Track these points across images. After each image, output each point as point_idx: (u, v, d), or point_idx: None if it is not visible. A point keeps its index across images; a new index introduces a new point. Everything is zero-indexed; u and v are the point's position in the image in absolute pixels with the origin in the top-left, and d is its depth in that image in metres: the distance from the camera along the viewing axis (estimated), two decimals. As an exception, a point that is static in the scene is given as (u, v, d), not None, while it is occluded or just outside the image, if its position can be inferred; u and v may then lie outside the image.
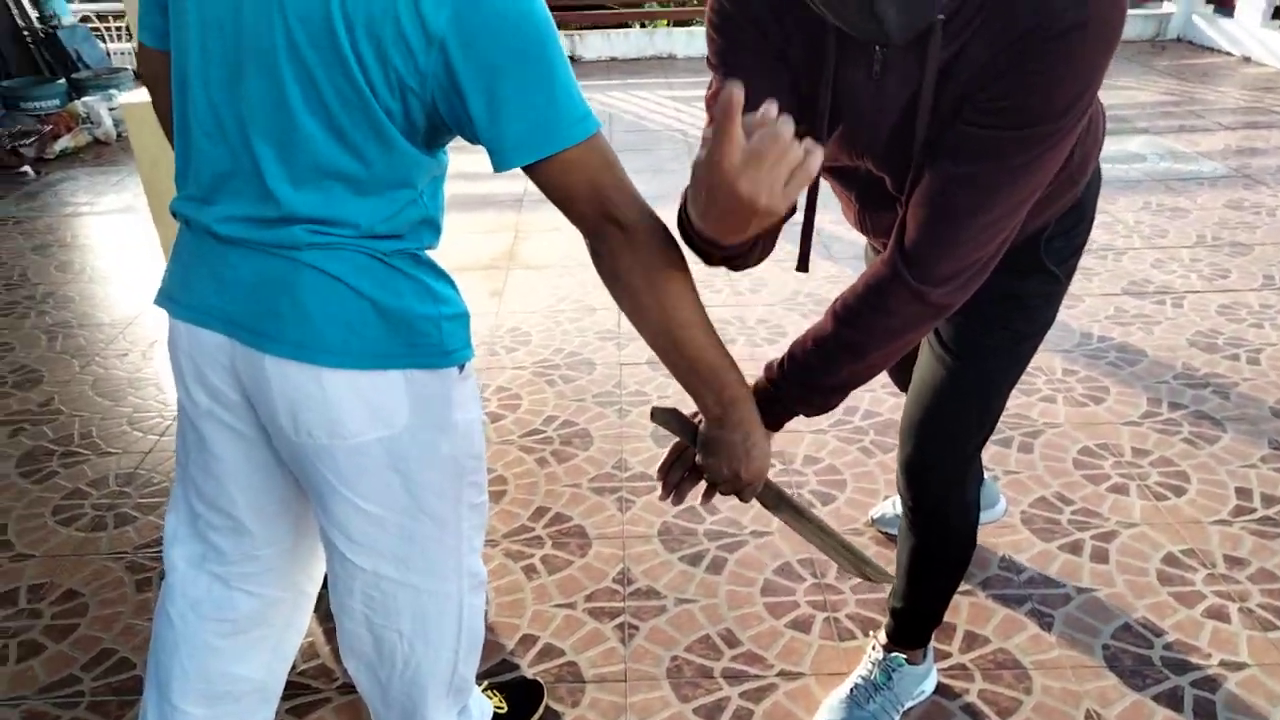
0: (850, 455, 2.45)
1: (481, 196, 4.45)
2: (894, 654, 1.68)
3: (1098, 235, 3.80)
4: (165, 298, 1.11)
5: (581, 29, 7.54)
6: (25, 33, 5.67)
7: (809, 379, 1.15)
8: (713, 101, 1.14)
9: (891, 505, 2.17)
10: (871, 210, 1.28)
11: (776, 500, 1.24)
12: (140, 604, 1.98)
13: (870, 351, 1.12)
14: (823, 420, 2.60)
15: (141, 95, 2.64)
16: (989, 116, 0.98)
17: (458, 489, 1.18)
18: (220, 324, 1.05)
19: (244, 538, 1.21)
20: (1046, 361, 2.86)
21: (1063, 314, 3.09)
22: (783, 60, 1.09)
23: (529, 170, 0.96)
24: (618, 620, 1.94)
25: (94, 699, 1.76)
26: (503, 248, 3.86)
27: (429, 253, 1.10)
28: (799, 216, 1.21)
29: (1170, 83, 6.35)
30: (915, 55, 1.00)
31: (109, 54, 6.61)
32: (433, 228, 1.10)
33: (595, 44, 7.40)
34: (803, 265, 1.32)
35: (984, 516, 2.06)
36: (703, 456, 1.18)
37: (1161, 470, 2.34)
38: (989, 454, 2.43)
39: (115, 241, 4.07)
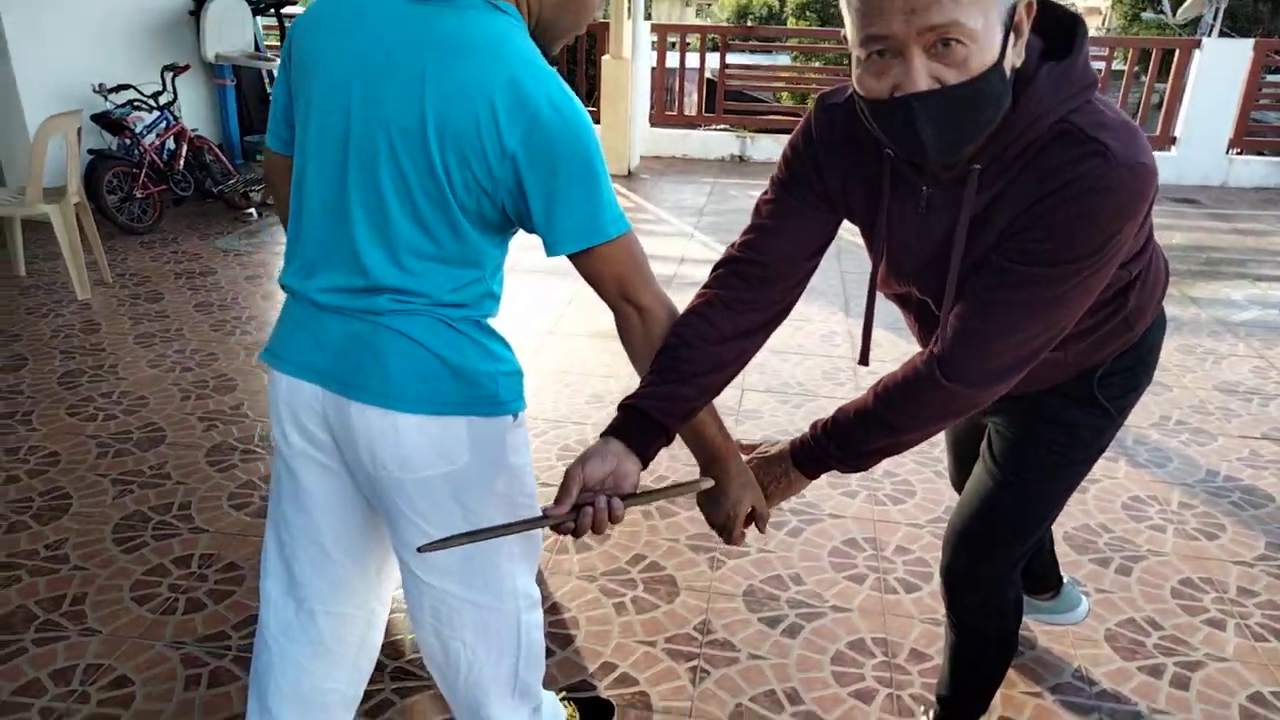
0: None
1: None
2: None
3: (1246, 377, 3.71)
4: (270, 354, 1.32)
5: (754, 131, 7.95)
6: (270, 95, 6.61)
7: (847, 443, 1.29)
8: (762, 206, 1.38)
9: None
10: (928, 330, 1.42)
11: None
12: (287, 579, 2.30)
13: (903, 431, 1.26)
14: (920, 515, 2.68)
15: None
16: (1021, 255, 1.11)
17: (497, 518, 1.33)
18: (315, 376, 1.25)
19: (327, 563, 1.38)
20: (1164, 492, 2.83)
21: (1192, 450, 3.07)
22: (827, 206, 1.31)
23: (572, 258, 1.21)
24: (692, 663, 2.09)
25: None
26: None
27: (490, 320, 1.31)
28: (861, 315, 1.41)
29: (1361, 235, 6.04)
30: (955, 197, 1.15)
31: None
32: (493, 299, 1.31)
33: (765, 146, 7.78)
34: (864, 360, 1.49)
35: (1064, 618, 2.10)
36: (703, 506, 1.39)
37: (1266, 612, 2.28)
38: (1084, 571, 2.44)
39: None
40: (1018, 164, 1.09)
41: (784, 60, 17.09)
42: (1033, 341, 1.15)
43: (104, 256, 4.50)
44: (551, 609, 2.27)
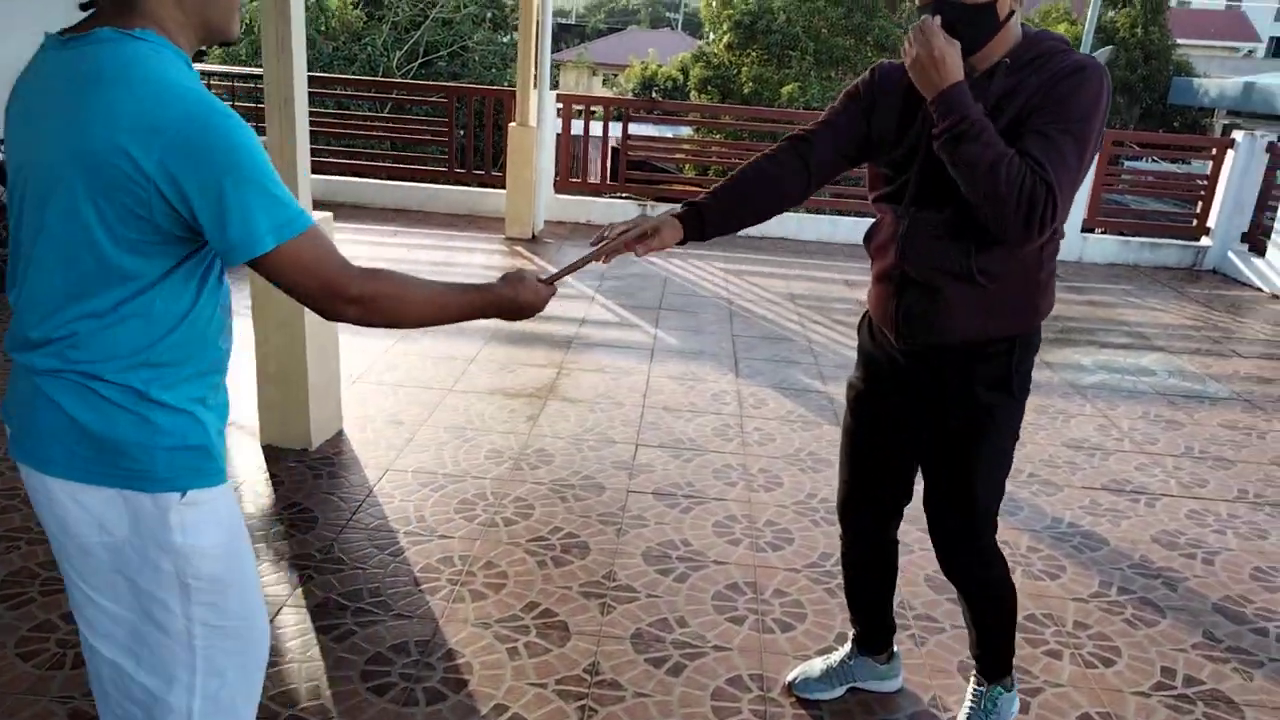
0: (816, 594, 2.72)
1: (538, 335, 4.95)
2: (994, 687, 2.09)
3: (1091, 434, 4.09)
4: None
5: (655, 200, 8.30)
6: None
7: (982, 126, 1.65)
8: (829, 110, 1.93)
9: (818, 665, 2.35)
10: (912, 237, 1.81)
11: (558, 277, 1.66)
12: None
13: (1005, 163, 1.61)
14: (797, 561, 2.89)
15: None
16: (1044, 120, 1.63)
17: (185, 607, 1.27)
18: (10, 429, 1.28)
19: (87, 603, 1.30)
20: (1014, 537, 3.11)
21: (1039, 499, 3.38)
22: (865, 128, 1.87)
23: (259, 266, 1.16)
24: (581, 703, 2.21)
25: None
26: (546, 381, 4.30)
27: (164, 388, 1.22)
28: None
29: (1198, 309, 6.70)
30: (983, 85, 1.69)
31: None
32: (167, 368, 1.22)
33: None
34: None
35: (884, 685, 2.31)
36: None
37: (1097, 643, 2.55)
38: (942, 609, 2.68)
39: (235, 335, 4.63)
40: (1027, 69, 1.68)
41: (686, 132, 17.82)
42: (1072, 163, 1.63)
43: None
44: (447, 655, 2.36)
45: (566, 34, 44.38)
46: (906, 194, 1.82)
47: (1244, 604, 2.82)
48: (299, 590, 2.60)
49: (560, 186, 8.10)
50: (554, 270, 1.62)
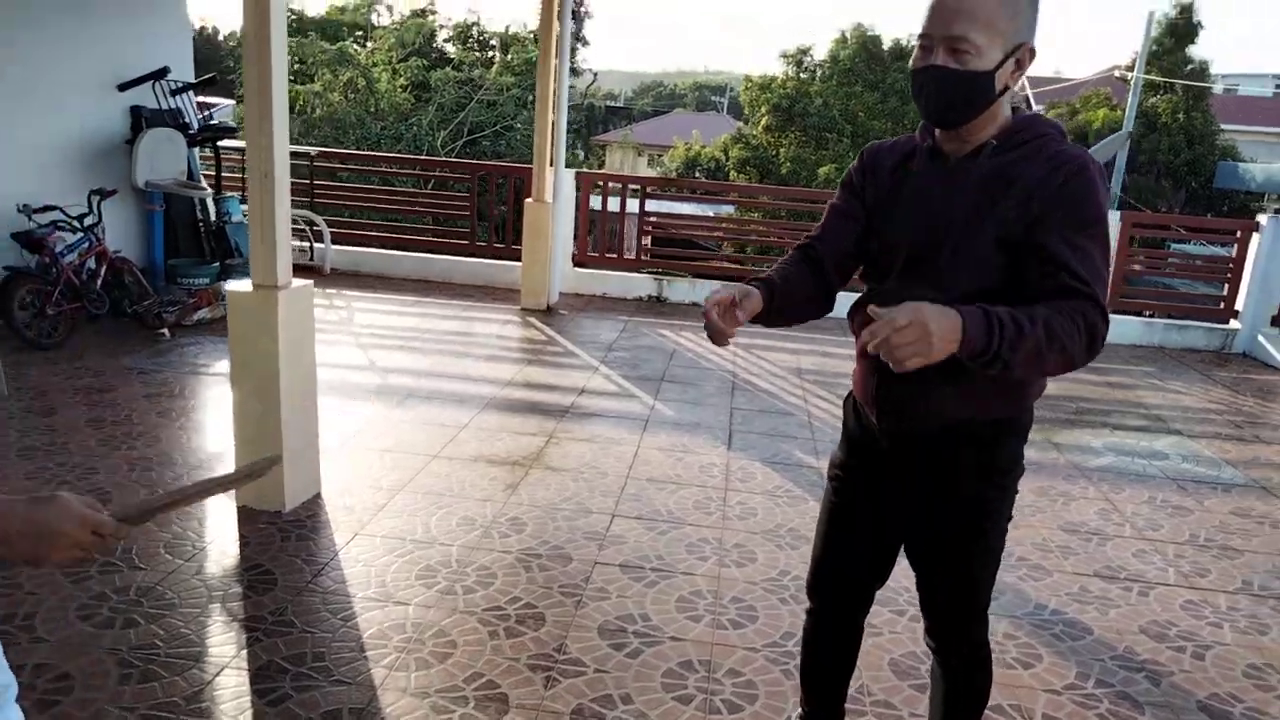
0: (772, 674, 2.62)
1: (532, 403, 4.96)
2: None
3: (1090, 518, 3.94)
4: None
5: (670, 275, 8.37)
6: (201, 224, 6.82)
7: (1016, 327, 1.50)
8: (828, 209, 1.89)
9: None
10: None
11: (140, 515, 1.24)
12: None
13: (1063, 337, 1.50)
14: (758, 640, 2.80)
15: (244, 285, 3.30)
16: (1059, 221, 1.57)
17: None
18: None
19: None
20: (991, 623, 2.97)
21: (1025, 584, 3.26)
22: (862, 209, 1.82)
23: None
24: (506, 779, 2.14)
25: (49, 757, 2.05)
26: (533, 449, 4.29)
27: None
28: None
29: (1222, 393, 6.50)
30: (970, 166, 1.65)
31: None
32: None
33: (682, 289, 8.18)
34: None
35: None
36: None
37: (1063, 738, 2.41)
38: (902, 695, 2.56)
39: (213, 398, 4.73)
40: (1015, 152, 1.64)
41: (729, 211, 18.06)
42: (1105, 271, 1.59)
43: (1, 370, 4.55)
44: (378, 724, 2.31)
45: (614, 116, 45.60)
46: (892, 271, 1.76)
47: (1232, 703, 2.66)
48: (244, 651, 2.58)
49: (579, 260, 8.22)
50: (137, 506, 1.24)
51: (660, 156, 34.37)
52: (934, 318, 1.38)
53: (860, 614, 2.09)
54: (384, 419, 4.59)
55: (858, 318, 1.83)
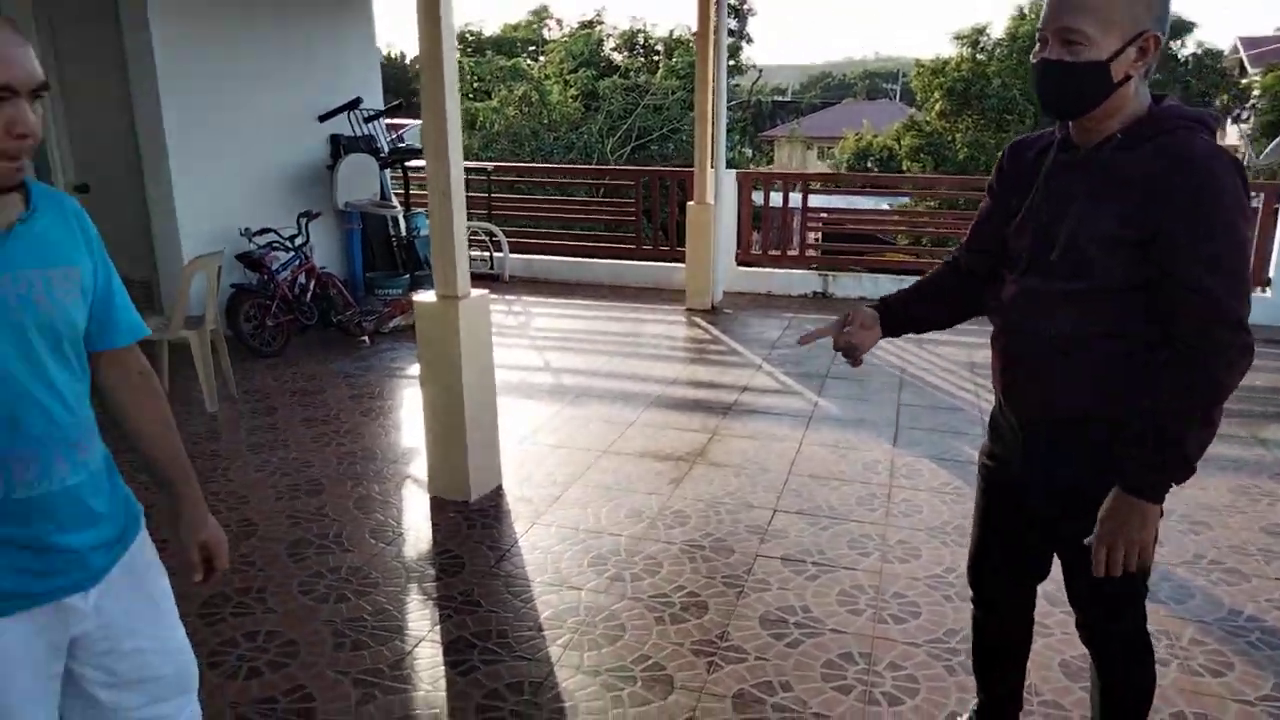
0: (934, 670, 2.63)
1: (696, 401, 5.10)
2: None
3: (1298, 520, 3.64)
4: None
5: (835, 270, 8.30)
6: (393, 239, 7.43)
7: (1165, 445, 1.58)
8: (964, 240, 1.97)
9: None
10: (1021, 302, 1.76)
11: None
12: (331, 655, 2.62)
13: (1217, 400, 1.56)
14: (920, 635, 2.80)
15: (429, 296, 3.62)
16: (1191, 233, 1.52)
17: None
18: None
19: None
20: (1176, 627, 2.84)
21: (1220, 589, 3.11)
22: (1004, 204, 1.82)
23: None
24: (671, 754, 2.28)
25: None
26: (697, 445, 4.43)
27: None
28: None
29: None
30: (1094, 157, 1.63)
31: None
32: None
33: (846, 284, 8.09)
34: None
35: None
36: None
37: (1253, 749, 2.28)
38: (1073, 698, 2.50)
39: (408, 398, 5.18)
40: (1144, 147, 1.58)
41: (904, 202, 17.53)
42: (1239, 272, 1.55)
43: (232, 376, 5.17)
44: (555, 696, 2.51)
45: (782, 110, 45.11)
46: (1021, 259, 1.76)
47: None
48: (437, 627, 2.86)
49: (743, 259, 8.30)
50: None
51: (830, 149, 33.73)
52: (1119, 524, 1.59)
53: (1021, 605, 2.08)
54: (558, 417, 4.87)
55: (990, 305, 1.88)
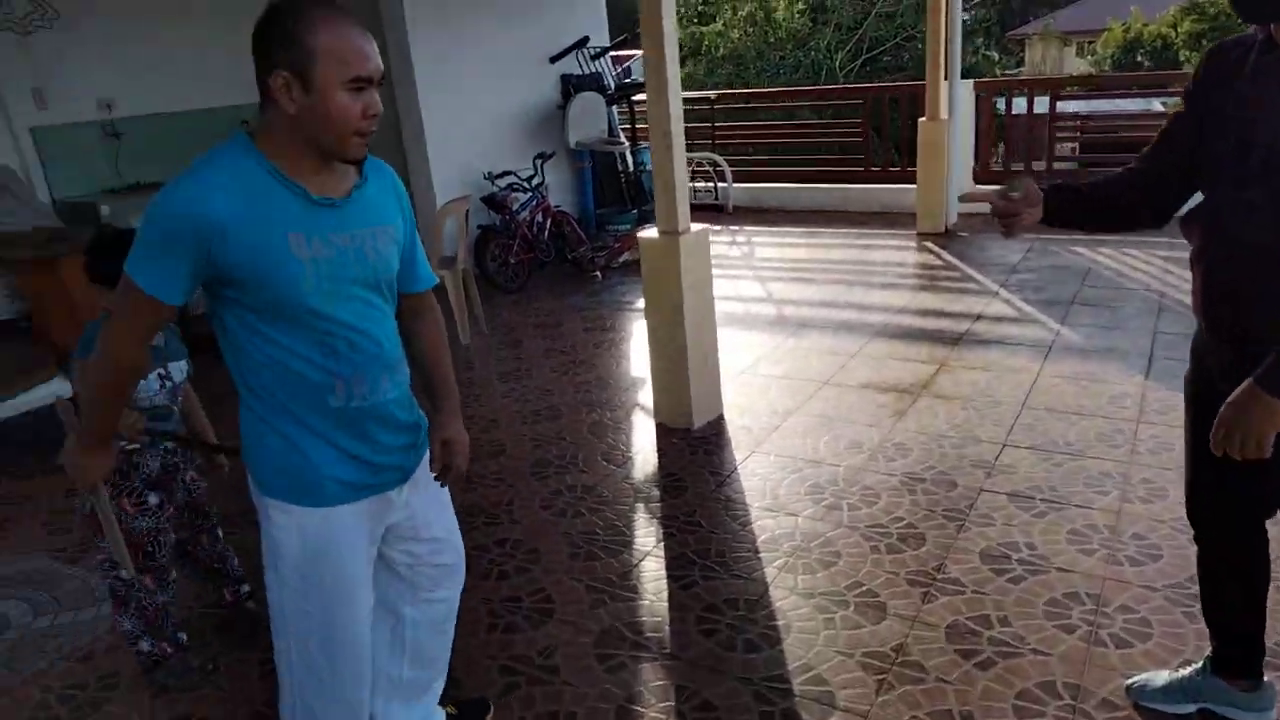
0: (1171, 616, 2.50)
1: (924, 330, 4.96)
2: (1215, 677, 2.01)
3: None
4: None
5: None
6: (621, 175, 7.69)
7: None
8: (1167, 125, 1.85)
9: (1163, 675, 2.21)
10: (1221, 218, 1.70)
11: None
12: (568, 565, 2.92)
13: None
14: (1159, 579, 2.66)
15: (652, 232, 3.77)
16: None
17: (277, 579, 1.70)
18: None
19: None
20: None
21: None
22: (1199, 120, 1.72)
23: None
24: (881, 677, 2.36)
25: None
26: (923, 377, 4.34)
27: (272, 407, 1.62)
28: None
29: None
30: None
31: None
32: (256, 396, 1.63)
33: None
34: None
35: (1254, 717, 2.06)
36: None
37: None
38: (1333, 653, 2.30)
39: (637, 330, 5.43)
40: None
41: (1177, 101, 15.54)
42: None
43: (483, 312, 5.67)
44: (769, 614, 2.65)
45: (1034, 4, 40.97)
46: (1218, 179, 1.70)
47: None
48: (661, 544, 3.08)
49: (981, 177, 7.81)
50: None
51: (1091, 44, 30.30)
52: (1240, 410, 1.58)
53: (1244, 539, 1.95)
54: (780, 347, 4.93)
55: (1189, 222, 1.79)
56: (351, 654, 1.76)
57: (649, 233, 3.81)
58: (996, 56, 27.82)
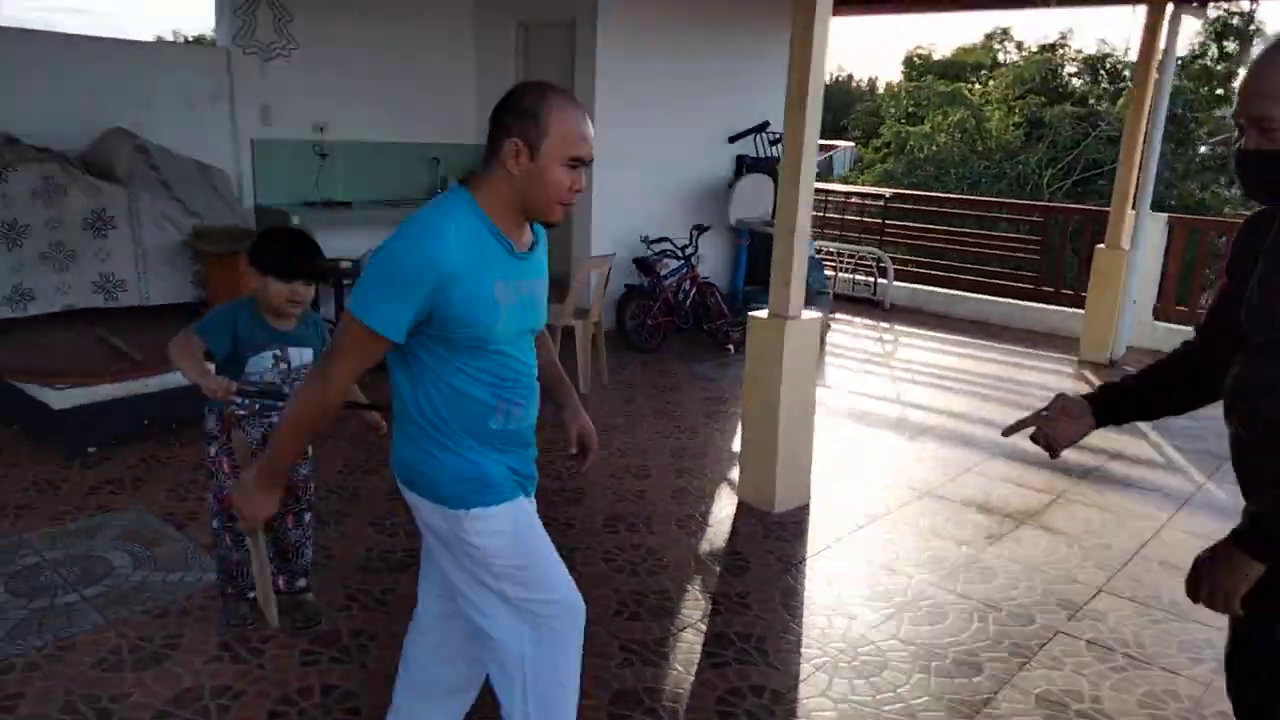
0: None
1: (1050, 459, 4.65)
2: None
3: None
4: None
5: None
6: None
7: None
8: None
9: None
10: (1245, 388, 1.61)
11: None
12: None
13: None
14: None
15: (762, 313, 3.80)
16: None
17: (495, 581, 1.79)
18: None
19: None
20: None
21: None
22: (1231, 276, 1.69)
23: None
24: None
25: None
26: (1034, 505, 4.07)
27: (445, 431, 1.76)
28: None
29: None
30: None
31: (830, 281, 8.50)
32: (437, 417, 1.76)
33: None
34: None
35: None
36: None
37: None
38: None
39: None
40: None
41: None
42: None
43: (606, 365, 5.83)
44: (790, 712, 2.55)
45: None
46: (1246, 347, 1.60)
47: None
48: (706, 619, 3.04)
49: (1162, 313, 7.29)
50: None
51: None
52: (1211, 559, 1.53)
53: None
54: (891, 448, 4.77)
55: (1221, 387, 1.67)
56: (574, 621, 1.90)
57: (759, 312, 3.84)
58: (1226, 193, 25.85)
